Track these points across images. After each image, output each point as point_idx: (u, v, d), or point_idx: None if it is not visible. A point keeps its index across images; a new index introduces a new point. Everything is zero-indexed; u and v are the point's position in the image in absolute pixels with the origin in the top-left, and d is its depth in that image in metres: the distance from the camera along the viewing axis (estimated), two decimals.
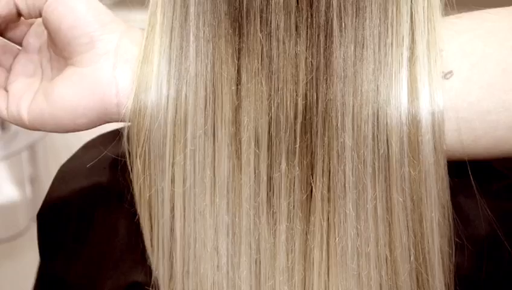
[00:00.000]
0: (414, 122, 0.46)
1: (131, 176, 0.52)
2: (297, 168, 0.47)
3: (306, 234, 0.48)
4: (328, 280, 0.48)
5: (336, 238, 0.47)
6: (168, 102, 0.49)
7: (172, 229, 0.50)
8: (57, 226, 0.68)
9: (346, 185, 0.47)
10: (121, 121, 0.52)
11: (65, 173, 0.69)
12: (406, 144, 0.46)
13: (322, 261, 0.48)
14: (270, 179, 0.48)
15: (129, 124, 0.51)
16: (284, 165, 0.47)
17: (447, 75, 0.46)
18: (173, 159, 0.49)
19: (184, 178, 0.49)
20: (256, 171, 0.48)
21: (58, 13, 0.51)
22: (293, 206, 0.48)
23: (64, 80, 0.52)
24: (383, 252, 0.47)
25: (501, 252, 0.55)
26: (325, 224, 0.47)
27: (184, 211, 0.49)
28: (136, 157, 0.50)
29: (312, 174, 0.47)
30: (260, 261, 0.49)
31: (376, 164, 0.46)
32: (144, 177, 0.50)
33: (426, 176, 0.46)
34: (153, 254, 0.52)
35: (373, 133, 0.46)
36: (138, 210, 0.52)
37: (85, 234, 0.66)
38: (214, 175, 0.48)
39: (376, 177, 0.46)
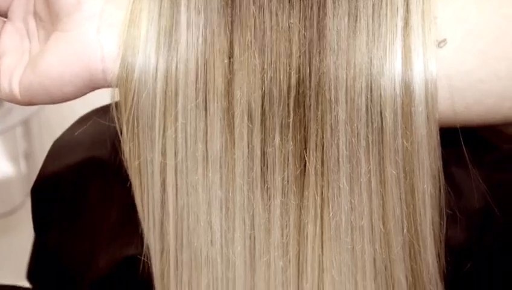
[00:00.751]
0: (407, 92, 0.45)
1: (121, 143, 0.51)
2: (291, 142, 0.47)
3: (300, 208, 0.48)
4: (322, 254, 0.48)
5: (329, 213, 0.47)
6: (157, 72, 0.48)
7: (163, 201, 0.50)
8: (51, 201, 0.68)
9: (340, 159, 0.46)
10: (108, 87, 0.51)
11: (59, 147, 0.69)
12: (399, 116, 0.45)
13: (315, 236, 0.48)
14: (263, 153, 0.47)
15: (117, 89, 0.50)
16: (277, 140, 0.47)
17: (440, 43, 0.46)
18: (163, 131, 0.48)
19: (176, 151, 0.48)
20: (250, 146, 0.47)
21: None
22: (287, 181, 0.47)
23: (49, 48, 0.51)
24: (377, 226, 0.47)
25: (495, 223, 0.55)
26: (318, 199, 0.47)
27: (176, 184, 0.49)
28: (123, 123, 0.50)
29: (306, 149, 0.47)
30: (255, 237, 0.49)
31: (370, 137, 0.46)
32: (133, 144, 0.50)
33: (419, 147, 0.46)
34: (144, 223, 0.52)
35: (366, 106, 0.45)
36: (130, 178, 0.52)
37: (80, 208, 0.66)
38: (206, 149, 0.48)
39: (370, 151, 0.46)
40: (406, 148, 0.46)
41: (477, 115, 0.47)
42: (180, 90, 0.47)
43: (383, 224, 0.47)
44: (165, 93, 0.47)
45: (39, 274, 0.75)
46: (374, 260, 0.47)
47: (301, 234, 0.48)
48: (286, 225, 0.48)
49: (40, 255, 0.72)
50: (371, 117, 0.45)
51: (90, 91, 0.52)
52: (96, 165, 0.64)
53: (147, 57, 0.48)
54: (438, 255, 0.49)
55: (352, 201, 0.47)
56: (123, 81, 0.48)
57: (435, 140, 0.46)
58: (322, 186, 0.47)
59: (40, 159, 0.71)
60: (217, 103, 0.47)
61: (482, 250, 0.57)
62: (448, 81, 0.46)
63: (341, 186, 0.46)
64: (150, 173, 0.49)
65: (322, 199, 0.47)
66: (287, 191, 0.47)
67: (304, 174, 0.47)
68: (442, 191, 0.48)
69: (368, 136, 0.46)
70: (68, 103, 0.55)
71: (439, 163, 0.47)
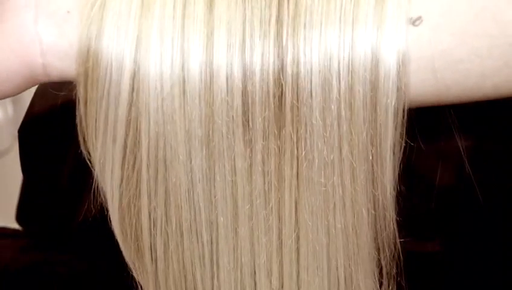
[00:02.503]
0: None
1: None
2: (271, 77, 0.45)
3: (279, 151, 0.46)
4: (299, 197, 0.47)
5: (303, 152, 0.46)
6: None
7: (130, 116, 0.46)
8: (39, 141, 0.68)
9: (313, 89, 0.44)
10: (50, 81, 0.48)
11: (45, 87, 0.69)
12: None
13: (292, 179, 0.46)
14: (244, 89, 0.45)
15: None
16: (258, 76, 0.45)
17: (415, 21, 0.44)
18: (139, 19, 0.45)
19: (150, 51, 0.45)
20: (229, 80, 0.45)
21: None
22: (268, 121, 0.46)
23: None
24: (346, 156, 0.46)
25: (484, 162, 0.56)
26: (294, 137, 0.46)
27: (148, 101, 0.45)
28: None
29: (282, 78, 0.45)
30: (237, 184, 0.47)
31: (341, 53, 0.44)
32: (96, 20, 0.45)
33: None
34: (98, 133, 0.47)
35: (339, 28, 0.44)
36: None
37: (67, 149, 0.66)
38: (183, 74, 0.45)
39: (340, 72, 0.44)
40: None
41: (457, 95, 0.45)
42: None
43: (351, 152, 0.45)
44: None
45: (28, 216, 0.75)
46: (343, 196, 0.46)
47: (280, 179, 0.47)
48: (268, 171, 0.46)
49: (28, 197, 0.73)
50: (344, 34, 0.44)
51: (32, 86, 0.48)
52: None
53: None
54: (396, 180, 0.48)
55: (325, 135, 0.45)
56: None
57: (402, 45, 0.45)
58: (298, 123, 0.45)
59: (28, 101, 0.70)
60: (197, 24, 0.45)
61: (471, 189, 0.58)
62: (425, 62, 0.44)
63: (314, 122, 0.45)
64: (117, 67, 0.45)
65: (298, 138, 0.45)
66: (268, 134, 0.46)
67: (281, 112, 0.46)
68: (406, 108, 0.46)
69: (339, 55, 0.44)
70: None
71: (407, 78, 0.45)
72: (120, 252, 0.51)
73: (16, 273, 0.72)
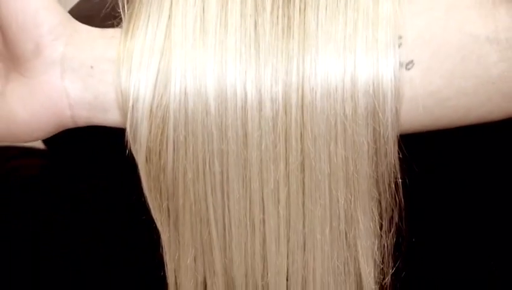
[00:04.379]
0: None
1: None
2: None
3: (286, 76, 0.49)
4: (303, 123, 0.49)
5: (307, 80, 0.49)
6: None
7: (167, 34, 0.50)
8: None
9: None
10: (77, 126, 0.52)
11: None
12: None
13: (297, 106, 0.48)
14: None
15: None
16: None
17: (407, 65, 0.47)
18: None
19: None
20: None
21: (11, 8, 0.48)
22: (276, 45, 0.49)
23: (12, 92, 0.50)
24: (348, 85, 0.48)
25: None
26: (301, 67, 0.49)
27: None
28: None
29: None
30: (247, 111, 0.49)
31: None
32: None
33: None
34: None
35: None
36: None
37: None
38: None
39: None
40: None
41: (443, 126, 0.49)
42: None
43: (354, 84, 0.48)
44: None
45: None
46: (345, 125, 0.48)
47: (288, 106, 0.49)
48: (275, 98, 0.49)
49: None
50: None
51: (61, 130, 0.52)
52: None
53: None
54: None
55: (328, 60, 0.48)
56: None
57: None
58: (303, 50, 0.48)
59: None
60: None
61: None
62: (415, 101, 0.47)
63: (320, 46, 0.48)
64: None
65: (304, 67, 0.48)
66: (277, 53, 0.49)
67: (289, 29, 0.49)
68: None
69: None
70: None
71: None
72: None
73: (38, 190, 0.74)
